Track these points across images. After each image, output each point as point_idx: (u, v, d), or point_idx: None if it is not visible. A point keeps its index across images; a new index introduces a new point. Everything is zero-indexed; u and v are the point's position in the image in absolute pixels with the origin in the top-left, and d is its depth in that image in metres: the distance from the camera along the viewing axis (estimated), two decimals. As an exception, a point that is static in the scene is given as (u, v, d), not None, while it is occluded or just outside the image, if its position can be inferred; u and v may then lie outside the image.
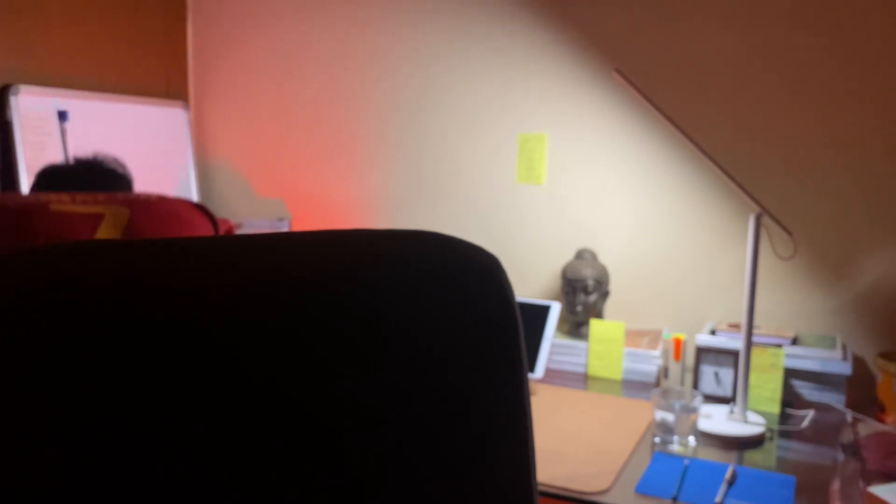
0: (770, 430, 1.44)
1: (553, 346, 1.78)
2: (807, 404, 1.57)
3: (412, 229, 0.47)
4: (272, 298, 0.42)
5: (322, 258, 0.44)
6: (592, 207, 1.91)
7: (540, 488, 1.18)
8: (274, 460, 0.40)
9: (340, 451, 0.41)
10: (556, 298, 1.96)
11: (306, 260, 0.44)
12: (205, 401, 0.40)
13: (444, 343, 0.43)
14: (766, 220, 1.49)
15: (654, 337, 1.79)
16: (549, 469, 1.24)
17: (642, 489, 1.18)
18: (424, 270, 0.44)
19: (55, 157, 1.80)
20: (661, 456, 1.31)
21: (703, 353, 1.63)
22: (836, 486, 1.20)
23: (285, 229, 2.18)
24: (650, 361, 1.70)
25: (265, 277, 0.43)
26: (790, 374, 1.58)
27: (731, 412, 1.46)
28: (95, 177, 1.27)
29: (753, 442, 1.38)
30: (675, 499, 1.15)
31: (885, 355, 1.55)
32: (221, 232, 0.88)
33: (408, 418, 0.42)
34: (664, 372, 1.73)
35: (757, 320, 1.77)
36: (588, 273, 1.78)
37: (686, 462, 1.28)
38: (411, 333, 0.42)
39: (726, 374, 1.61)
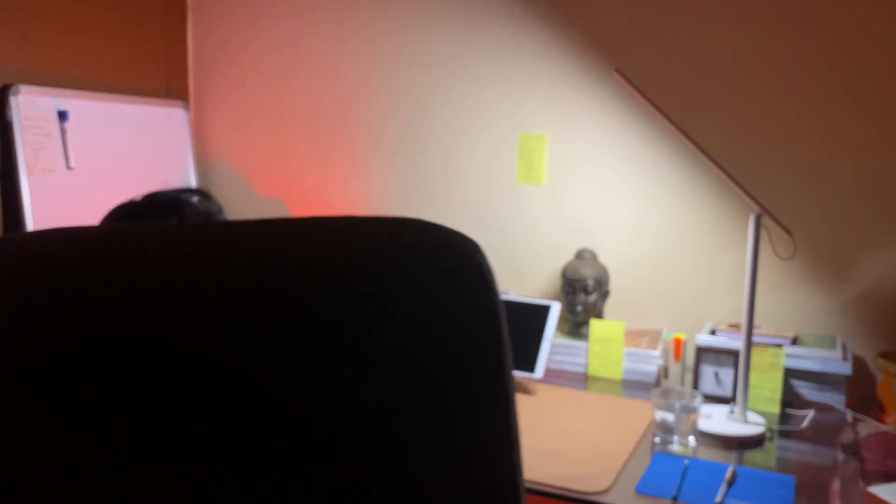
0: (770, 430, 1.44)
1: (553, 346, 1.78)
2: (807, 404, 1.57)
3: (394, 216, 0.46)
4: (276, 302, 0.42)
5: (308, 244, 0.44)
6: (592, 207, 1.91)
7: (540, 488, 1.18)
8: (273, 461, 0.40)
9: (340, 452, 0.41)
10: (556, 298, 1.96)
11: (294, 246, 0.44)
12: (205, 401, 0.40)
13: (429, 329, 0.42)
14: (766, 220, 1.49)
15: (654, 337, 1.79)
16: (550, 469, 1.24)
17: (642, 489, 1.18)
18: (407, 253, 0.44)
19: (55, 157, 1.80)
20: (661, 456, 1.31)
21: (703, 353, 1.63)
22: (836, 486, 1.20)
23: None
24: (650, 361, 1.70)
25: (271, 277, 0.43)
26: (790, 374, 1.58)
27: (731, 412, 1.46)
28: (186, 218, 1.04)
29: (753, 442, 1.38)
30: (675, 499, 1.15)
31: (885, 355, 1.55)
32: None
33: (402, 412, 0.42)
34: (664, 372, 1.73)
35: (757, 320, 1.77)
36: (588, 273, 1.78)
37: (686, 462, 1.28)
38: (399, 321, 0.42)
39: (726, 374, 1.61)
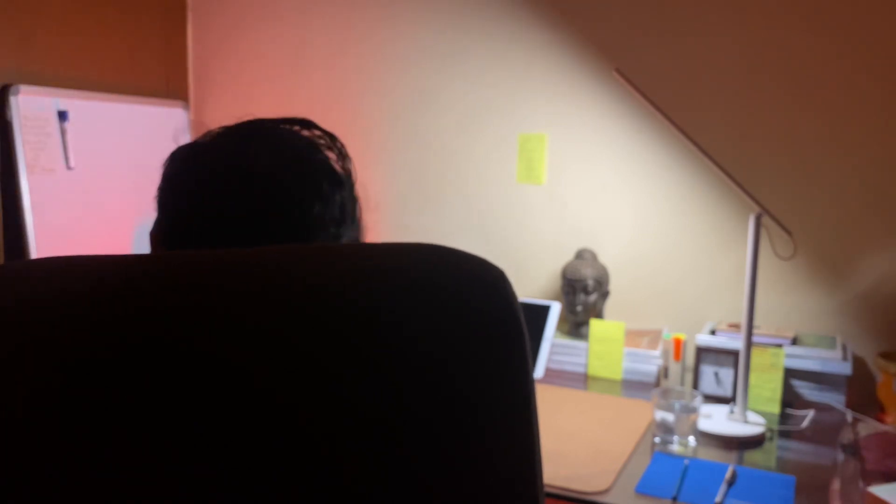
0: (770, 430, 1.44)
1: (553, 346, 1.78)
2: (807, 404, 1.57)
3: (414, 242, 0.47)
4: (275, 305, 0.42)
5: (324, 268, 0.44)
6: (592, 207, 1.91)
7: (540, 488, 1.18)
8: (275, 461, 0.40)
9: (340, 452, 0.41)
10: (556, 298, 1.96)
11: (310, 269, 0.44)
12: (206, 402, 0.40)
13: (447, 350, 0.43)
14: (766, 220, 1.49)
15: (654, 337, 1.79)
16: (549, 469, 1.24)
17: (642, 489, 1.18)
18: (427, 282, 0.44)
19: (55, 157, 1.80)
20: (661, 456, 1.31)
21: (703, 353, 1.63)
22: (836, 486, 1.20)
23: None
24: (650, 361, 1.70)
25: (270, 284, 0.43)
26: (790, 374, 1.58)
27: (731, 412, 1.46)
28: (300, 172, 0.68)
29: (753, 442, 1.38)
30: (675, 499, 1.15)
31: (885, 355, 1.55)
32: None
33: (408, 420, 0.42)
34: (664, 372, 1.73)
35: (757, 320, 1.77)
36: (588, 273, 1.78)
37: (686, 462, 1.28)
38: (413, 339, 0.42)
39: (726, 374, 1.61)
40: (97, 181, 1.92)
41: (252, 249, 0.46)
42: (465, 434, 0.42)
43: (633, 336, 1.80)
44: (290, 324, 0.42)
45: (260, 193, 0.64)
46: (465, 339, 0.43)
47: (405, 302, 0.43)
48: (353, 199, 0.73)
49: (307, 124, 0.78)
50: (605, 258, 1.91)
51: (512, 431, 0.44)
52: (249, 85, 2.29)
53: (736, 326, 1.68)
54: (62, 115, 1.82)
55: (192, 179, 0.67)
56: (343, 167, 0.72)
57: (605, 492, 1.17)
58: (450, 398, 0.42)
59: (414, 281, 0.44)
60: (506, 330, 0.44)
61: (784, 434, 1.42)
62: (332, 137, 0.76)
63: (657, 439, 1.37)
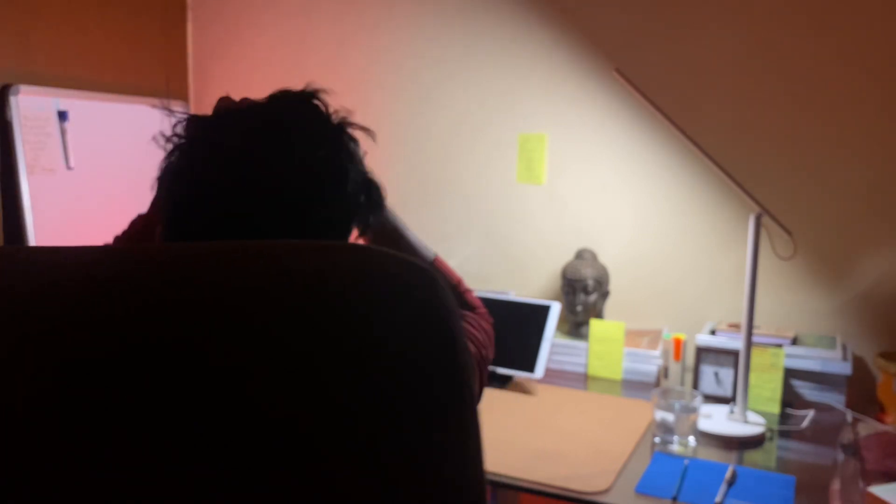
0: (770, 430, 1.44)
1: (553, 346, 1.78)
2: (807, 404, 1.57)
3: (347, 243, 0.48)
4: (275, 305, 0.42)
5: (324, 268, 0.45)
6: (592, 207, 1.91)
7: (540, 488, 1.18)
8: (275, 461, 0.40)
9: (340, 452, 0.41)
10: (556, 298, 1.96)
11: (310, 269, 0.45)
12: (206, 402, 0.40)
13: (421, 353, 0.45)
14: (766, 220, 1.49)
15: (654, 337, 1.79)
16: (550, 469, 1.24)
17: (642, 489, 1.18)
18: (406, 286, 0.46)
19: (55, 157, 1.80)
20: (661, 456, 1.31)
21: (703, 353, 1.63)
22: (836, 486, 1.20)
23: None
24: (650, 361, 1.70)
25: (269, 283, 0.43)
26: (790, 374, 1.58)
27: (731, 412, 1.46)
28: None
29: (753, 442, 1.38)
30: (675, 499, 1.15)
31: (885, 355, 1.55)
32: None
33: (407, 420, 0.42)
34: (664, 372, 1.73)
35: (757, 320, 1.77)
36: (588, 273, 1.78)
37: (686, 462, 1.28)
38: (410, 340, 0.44)
39: (726, 374, 1.61)
40: (97, 181, 1.92)
41: (249, 244, 0.46)
42: (441, 432, 0.44)
43: (633, 336, 1.80)
44: (290, 324, 0.42)
45: (257, 203, 0.65)
46: (430, 340, 0.45)
47: (395, 308, 0.44)
48: (363, 194, 0.71)
49: (304, 104, 0.75)
50: (605, 258, 1.91)
51: (453, 426, 0.46)
52: (249, 84, 2.29)
53: (736, 326, 1.68)
54: (62, 115, 1.82)
55: (192, 181, 0.69)
56: (345, 160, 0.71)
57: (605, 492, 1.17)
58: (427, 399, 0.44)
59: (395, 285, 0.45)
60: (432, 334, 0.46)
61: (784, 434, 1.42)
62: (325, 112, 0.75)
63: (657, 439, 1.37)
